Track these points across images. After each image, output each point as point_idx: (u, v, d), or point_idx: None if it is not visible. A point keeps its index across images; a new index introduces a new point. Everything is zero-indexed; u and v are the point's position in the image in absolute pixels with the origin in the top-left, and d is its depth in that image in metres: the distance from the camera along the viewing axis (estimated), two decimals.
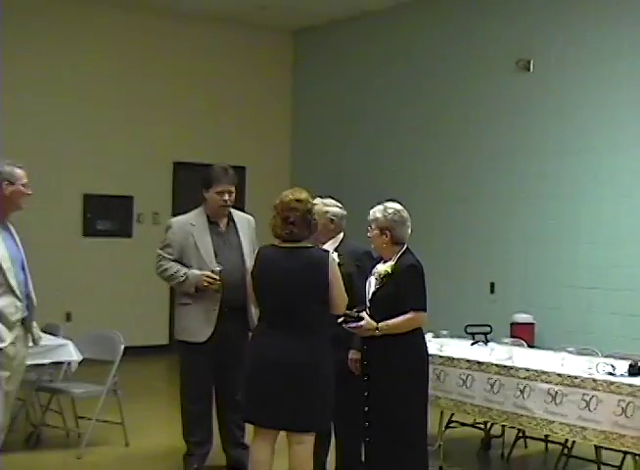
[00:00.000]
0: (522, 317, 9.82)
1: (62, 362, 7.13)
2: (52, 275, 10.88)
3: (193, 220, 6.26)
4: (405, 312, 5.20)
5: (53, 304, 10.30)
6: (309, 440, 5.05)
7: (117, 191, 12.11)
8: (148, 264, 12.05)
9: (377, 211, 5.40)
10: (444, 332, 7.18)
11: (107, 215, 12.07)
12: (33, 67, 11.50)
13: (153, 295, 12.17)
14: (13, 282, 5.18)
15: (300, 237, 5.01)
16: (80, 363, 6.97)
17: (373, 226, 5.39)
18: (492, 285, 10.50)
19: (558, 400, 5.73)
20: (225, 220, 6.31)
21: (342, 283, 5.02)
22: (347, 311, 5.23)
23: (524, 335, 8.85)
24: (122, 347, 7.06)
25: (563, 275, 9.74)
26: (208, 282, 6.04)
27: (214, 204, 6.18)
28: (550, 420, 5.79)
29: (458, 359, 6.48)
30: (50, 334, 6.93)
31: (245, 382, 5.10)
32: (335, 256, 5.74)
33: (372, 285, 5.41)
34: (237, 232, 6.27)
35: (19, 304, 5.23)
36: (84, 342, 7.24)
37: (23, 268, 5.35)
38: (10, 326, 5.18)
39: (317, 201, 5.82)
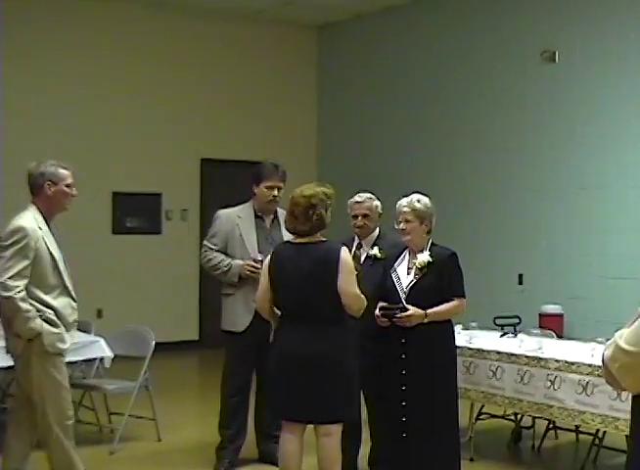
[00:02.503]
0: (550, 308, 9.77)
1: (94, 359, 7.18)
2: (82, 273, 10.87)
3: (240, 213, 6.40)
4: (446, 300, 5.32)
5: (84, 301, 10.21)
6: (336, 431, 5.08)
7: (146, 188, 12.16)
8: (177, 260, 12.31)
9: (415, 202, 5.46)
10: (473, 324, 7.17)
11: (136, 213, 12.11)
12: (60, 63, 11.55)
13: (183, 290, 12.22)
14: (69, 283, 5.26)
15: (302, 232, 5.07)
16: (112, 360, 7.00)
17: (411, 217, 5.42)
18: (520, 276, 10.45)
19: (589, 391, 5.70)
20: (271, 217, 6.42)
21: (353, 278, 5.01)
22: (386, 304, 5.29)
23: (552, 326, 8.80)
24: (153, 343, 7.09)
25: (591, 265, 9.68)
26: (250, 271, 6.13)
27: (263, 198, 6.28)
28: (581, 411, 5.76)
29: (488, 351, 6.47)
30: (82, 331, 6.95)
31: (269, 378, 5.15)
32: (375, 249, 5.78)
33: (404, 276, 5.44)
34: (280, 229, 6.30)
35: (74, 304, 5.30)
36: (115, 339, 7.28)
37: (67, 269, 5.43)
38: (69, 327, 5.25)
39: (362, 197, 5.95)
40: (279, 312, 5.20)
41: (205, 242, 6.42)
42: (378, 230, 5.99)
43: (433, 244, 5.48)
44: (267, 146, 12.73)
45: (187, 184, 12.50)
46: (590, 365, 5.73)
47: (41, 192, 5.24)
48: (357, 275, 5.14)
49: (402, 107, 12.18)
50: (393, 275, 5.49)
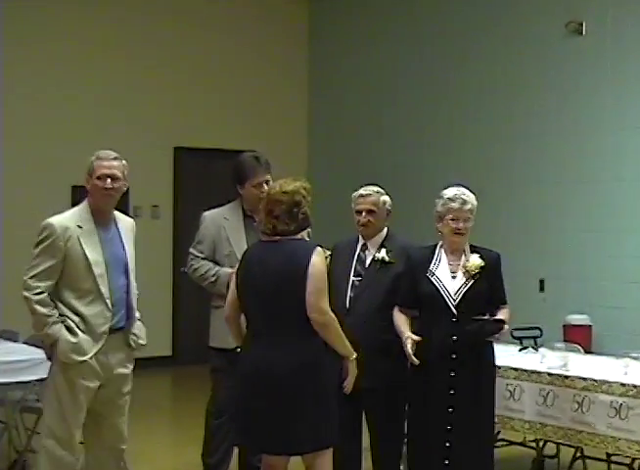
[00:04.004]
0: (576, 319, 9.76)
1: None
2: None
3: (227, 214, 6.41)
4: (495, 307, 5.58)
5: None
6: (323, 457, 5.06)
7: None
8: (147, 265, 12.16)
9: (473, 199, 5.65)
10: None
11: None
12: (21, 49, 11.53)
13: (154, 300, 12.13)
14: (104, 289, 5.36)
15: (284, 233, 5.07)
16: None
17: (471, 216, 5.59)
18: (542, 282, 10.46)
19: (623, 415, 5.68)
20: None
21: (323, 288, 4.97)
22: (481, 317, 5.39)
23: (579, 339, 8.80)
24: None
25: (625, 270, 9.67)
26: None
27: (253, 199, 6.25)
28: (614, 437, 5.74)
29: (504, 368, 6.42)
30: (36, 346, 6.91)
31: (234, 402, 5.14)
32: (383, 252, 5.77)
33: (448, 281, 5.51)
34: None
35: (108, 314, 5.38)
36: None
37: (127, 272, 5.56)
38: (96, 337, 5.35)
39: (368, 190, 5.97)
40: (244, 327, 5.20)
41: (190, 249, 6.44)
42: (386, 230, 6.00)
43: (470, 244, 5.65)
44: (250, 133, 12.75)
45: (158, 177, 12.46)
46: (623, 385, 5.71)
47: (86, 187, 5.52)
48: (329, 286, 5.07)
49: (408, 88, 12.17)
50: (433, 279, 5.52)
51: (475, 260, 5.51)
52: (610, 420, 5.76)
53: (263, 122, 13.08)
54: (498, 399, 6.38)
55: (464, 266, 5.53)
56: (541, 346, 7.17)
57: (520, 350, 7.09)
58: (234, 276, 5.23)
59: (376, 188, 6.04)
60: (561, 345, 7.57)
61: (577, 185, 10.18)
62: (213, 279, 6.25)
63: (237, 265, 5.27)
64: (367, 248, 5.95)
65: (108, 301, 5.38)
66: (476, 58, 11.29)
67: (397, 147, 12.21)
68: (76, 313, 5.30)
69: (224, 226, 6.34)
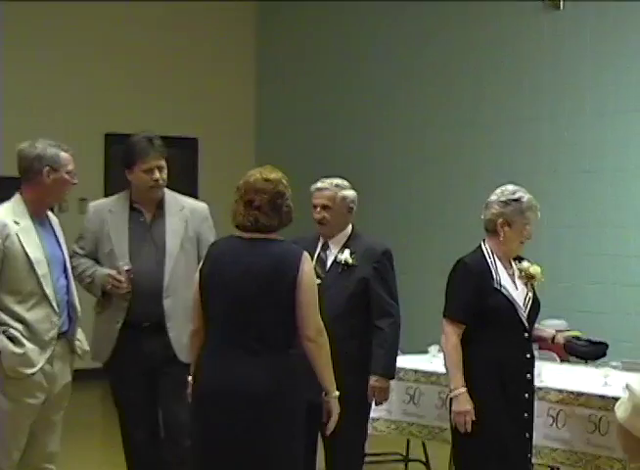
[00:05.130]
0: (552, 324, 9.77)
1: None
2: None
3: (112, 205, 6.20)
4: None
5: None
6: None
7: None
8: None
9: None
10: None
11: None
12: None
13: (81, 304, 12.07)
14: (49, 291, 5.34)
15: (267, 227, 4.96)
16: None
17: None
18: None
19: (603, 430, 5.71)
20: (154, 208, 6.16)
21: (316, 302, 4.94)
22: (578, 337, 5.50)
23: (554, 346, 8.82)
24: None
25: (606, 268, 9.71)
26: (113, 284, 5.94)
27: (143, 186, 6.06)
28: (595, 454, 5.78)
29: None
30: None
31: (190, 424, 5.02)
32: (346, 253, 5.75)
33: (513, 290, 5.56)
34: (165, 225, 6.11)
35: (55, 318, 5.37)
36: None
37: (66, 272, 5.54)
38: (43, 345, 5.32)
39: (325, 183, 5.94)
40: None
41: (73, 245, 6.19)
42: (351, 228, 5.97)
43: None
44: (191, 117, 12.79)
45: (87, 166, 12.32)
46: (603, 397, 5.75)
47: (37, 179, 5.42)
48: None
49: (365, 72, 12.20)
50: (504, 291, 5.51)
51: (535, 267, 5.60)
52: (588, 436, 5.79)
53: (205, 106, 13.09)
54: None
55: (528, 275, 5.60)
56: None
57: None
58: (197, 280, 5.08)
59: (336, 181, 6.00)
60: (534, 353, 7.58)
61: (551, 175, 10.24)
62: (89, 281, 6.04)
63: (200, 263, 5.14)
64: (328, 247, 5.93)
65: (53, 303, 5.35)
66: (443, 35, 11.32)
67: (356, 135, 12.25)
68: (19, 320, 5.23)
69: (107, 220, 6.12)
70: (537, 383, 6.09)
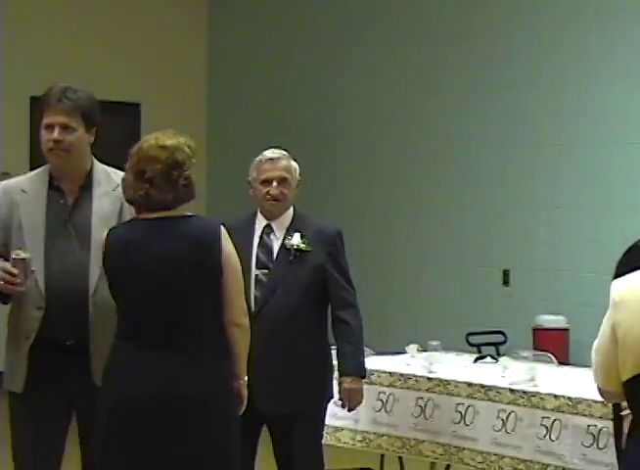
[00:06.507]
0: (549, 320, 9.83)
1: None
2: None
3: (26, 184, 5.57)
4: None
5: None
6: None
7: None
8: None
9: None
10: (434, 343, 7.14)
11: None
12: None
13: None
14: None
15: (160, 203, 4.88)
16: None
17: None
18: (505, 273, 10.55)
19: (602, 443, 5.71)
20: (76, 186, 5.51)
21: (240, 275, 4.95)
22: None
23: (552, 346, 8.90)
24: None
25: (609, 259, 9.70)
26: (5, 280, 5.26)
27: (44, 148, 5.46)
28: None
29: (455, 384, 6.46)
30: None
31: (100, 437, 4.92)
32: (297, 238, 5.71)
33: None
34: (91, 207, 5.46)
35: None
36: None
37: None
38: None
39: (276, 153, 5.89)
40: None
41: None
42: (292, 209, 5.93)
43: None
44: (132, 80, 12.85)
45: (10, 135, 12.36)
46: (605, 404, 5.71)
47: None
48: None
49: (327, 32, 12.33)
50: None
51: None
52: (584, 450, 5.80)
53: (149, 68, 13.16)
54: (445, 424, 6.46)
55: None
56: (504, 355, 7.22)
57: (475, 360, 7.16)
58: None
59: (284, 152, 5.95)
60: (528, 353, 7.58)
61: (539, 150, 10.39)
62: None
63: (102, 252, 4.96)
64: (272, 230, 5.87)
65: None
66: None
67: (309, 101, 12.38)
68: None
69: (18, 202, 5.46)
70: (530, 388, 6.14)
